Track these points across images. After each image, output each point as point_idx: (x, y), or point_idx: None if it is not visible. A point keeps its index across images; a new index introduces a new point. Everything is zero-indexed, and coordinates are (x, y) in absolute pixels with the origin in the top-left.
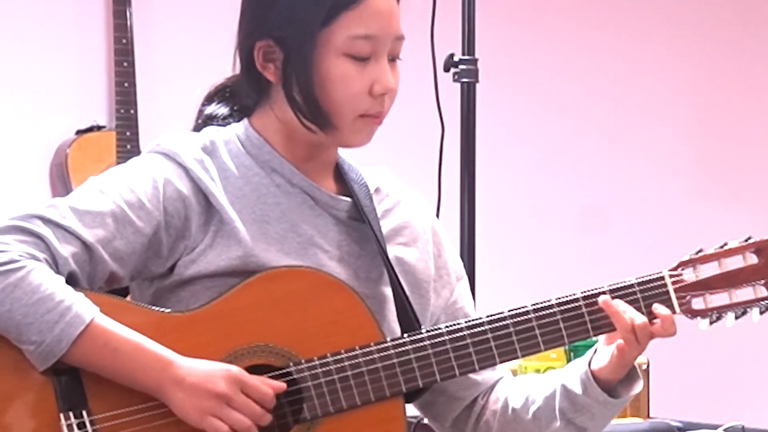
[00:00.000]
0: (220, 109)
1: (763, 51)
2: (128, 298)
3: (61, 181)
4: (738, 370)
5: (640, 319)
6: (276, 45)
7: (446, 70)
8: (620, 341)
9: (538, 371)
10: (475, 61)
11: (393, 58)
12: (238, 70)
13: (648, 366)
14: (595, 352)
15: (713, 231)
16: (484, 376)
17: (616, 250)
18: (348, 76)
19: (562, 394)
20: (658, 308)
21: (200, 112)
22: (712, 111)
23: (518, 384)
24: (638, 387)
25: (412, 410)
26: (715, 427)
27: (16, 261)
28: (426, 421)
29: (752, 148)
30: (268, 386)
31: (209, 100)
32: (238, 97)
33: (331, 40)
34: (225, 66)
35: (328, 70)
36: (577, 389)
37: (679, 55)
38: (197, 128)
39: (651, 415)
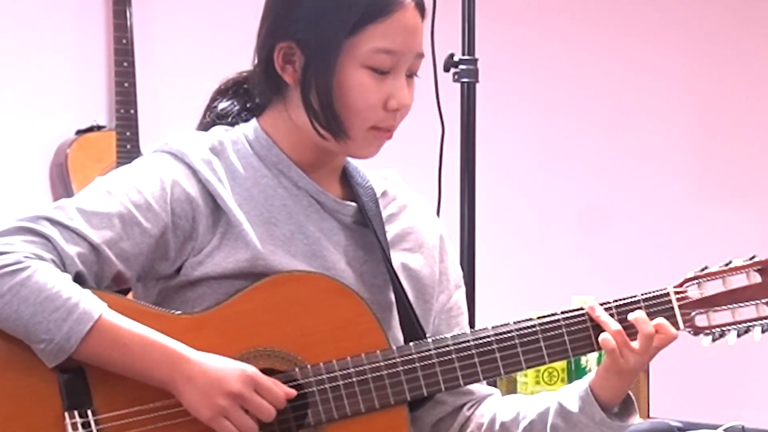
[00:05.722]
0: (231, 107)
1: (763, 51)
2: (130, 296)
3: (61, 182)
4: (738, 370)
5: (648, 329)
6: (298, 48)
7: (446, 70)
8: (611, 340)
9: (538, 371)
10: (475, 61)
11: (411, 75)
12: (243, 68)
13: (648, 366)
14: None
15: (713, 231)
16: (473, 387)
17: (615, 250)
18: (365, 87)
19: (557, 412)
20: (652, 321)
21: (210, 107)
22: (712, 111)
23: (508, 401)
24: (633, 419)
25: None
26: (715, 427)
27: (22, 261)
28: None
29: (752, 148)
30: (280, 389)
31: (221, 95)
32: (251, 94)
33: (354, 50)
34: (225, 65)
35: (347, 80)
36: (573, 407)
37: (679, 55)
38: (206, 125)
39: (651, 415)
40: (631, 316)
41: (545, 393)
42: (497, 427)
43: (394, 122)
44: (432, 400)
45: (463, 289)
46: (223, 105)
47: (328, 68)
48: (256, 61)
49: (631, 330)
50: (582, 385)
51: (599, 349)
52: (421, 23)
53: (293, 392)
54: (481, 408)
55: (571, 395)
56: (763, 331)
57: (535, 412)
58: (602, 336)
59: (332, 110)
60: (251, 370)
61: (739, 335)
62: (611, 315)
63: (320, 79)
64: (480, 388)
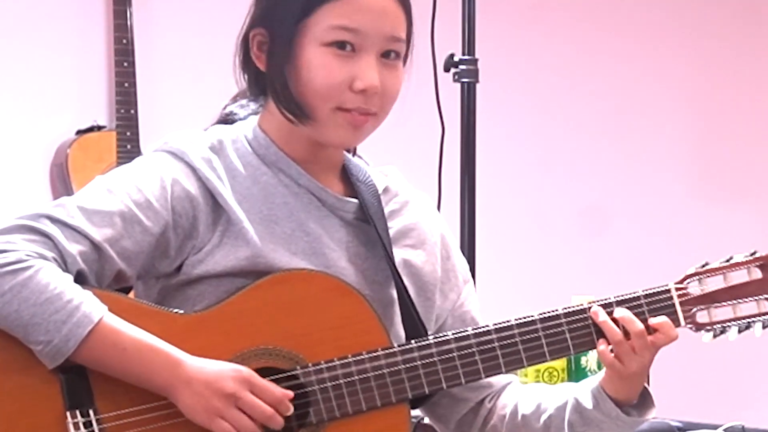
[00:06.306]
0: (240, 109)
1: (763, 51)
2: (131, 294)
3: (62, 182)
4: (738, 370)
5: (637, 326)
6: (267, 33)
7: (446, 70)
8: (607, 354)
9: (538, 371)
10: (475, 61)
11: (392, 58)
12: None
13: None
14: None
15: (713, 231)
16: (492, 379)
17: (615, 250)
18: (327, 66)
19: (573, 407)
20: (654, 320)
21: (224, 109)
22: (712, 111)
23: (528, 391)
24: (651, 413)
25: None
26: (715, 427)
27: (24, 260)
28: (426, 420)
29: (752, 148)
30: (275, 388)
31: (234, 99)
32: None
33: (311, 29)
34: (225, 65)
35: (308, 59)
36: (588, 404)
37: (679, 55)
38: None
39: None
40: (617, 314)
41: (563, 384)
42: (519, 418)
43: (365, 105)
44: (453, 398)
45: (471, 283)
46: (231, 107)
47: (284, 48)
48: (240, 56)
49: (625, 329)
50: (594, 382)
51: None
52: (393, 6)
53: (290, 394)
54: (502, 398)
55: (586, 391)
56: (763, 327)
57: (554, 406)
58: (600, 348)
59: (288, 90)
60: (246, 371)
61: (740, 331)
62: (611, 313)
63: (277, 59)
64: (499, 378)
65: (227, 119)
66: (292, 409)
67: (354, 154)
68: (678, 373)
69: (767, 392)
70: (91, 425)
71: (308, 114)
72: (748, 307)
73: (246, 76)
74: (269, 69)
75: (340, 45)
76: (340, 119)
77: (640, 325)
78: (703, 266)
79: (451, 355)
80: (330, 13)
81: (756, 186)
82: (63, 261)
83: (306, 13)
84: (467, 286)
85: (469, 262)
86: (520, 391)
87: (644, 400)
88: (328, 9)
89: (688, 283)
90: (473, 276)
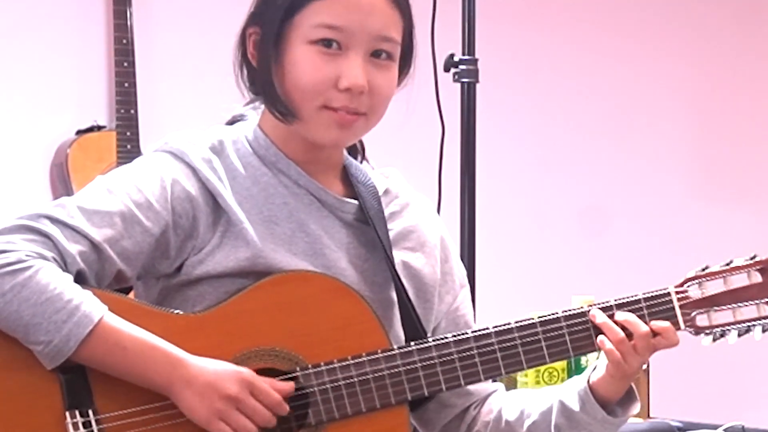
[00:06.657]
0: (251, 111)
1: (763, 51)
2: (131, 295)
3: (62, 182)
4: (738, 370)
5: (642, 328)
6: (260, 31)
7: (446, 70)
8: (615, 352)
9: (538, 371)
10: (475, 61)
11: (383, 58)
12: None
13: (648, 366)
14: (595, 368)
15: (713, 231)
16: (478, 386)
17: (615, 250)
18: (313, 64)
19: (559, 410)
20: (657, 324)
21: (234, 113)
22: (712, 111)
23: (513, 397)
24: (635, 409)
25: None
26: (715, 427)
27: (24, 261)
28: None
29: (752, 148)
30: (277, 390)
31: (248, 104)
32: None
33: (299, 27)
34: (225, 65)
35: (295, 57)
36: (575, 406)
37: (679, 55)
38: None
39: (651, 415)
40: (619, 317)
41: (547, 388)
42: (503, 425)
43: (351, 104)
44: (440, 403)
45: (467, 288)
46: (243, 110)
47: (272, 45)
48: (238, 54)
49: (629, 331)
50: (581, 383)
51: (600, 349)
52: (386, 5)
53: (291, 386)
54: (486, 405)
55: (572, 393)
56: (763, 331)
57: (539, 411)
58: (607, 346)
59: (274, 88)
60: (248, 373)
61: (739, 335)
62: (612, 315)
63: (266, 57)
64: (485, 386)
65: (235, 122)
66: (288, 411)
67: (363, 159)
68: (678, 374)
69: (767, 393)
70: (91, 425)
71: (294, 112)
72: (748, 310)
73: (243, 75)
74: (259, 66)
75: (326, 43)
76: (325, 118)
77: (645, 327)
78: (704, 269)
79: (451, 357)
80: (317, 11)
81: (756, 186)
82: (63, 261)
83: (293, 10)
84: (463, 291)
85: (469, 263)
86: (504, 398)
87: (628, 396)
88: (315, 7)
89: (688, 286)
90: (473, 276)
